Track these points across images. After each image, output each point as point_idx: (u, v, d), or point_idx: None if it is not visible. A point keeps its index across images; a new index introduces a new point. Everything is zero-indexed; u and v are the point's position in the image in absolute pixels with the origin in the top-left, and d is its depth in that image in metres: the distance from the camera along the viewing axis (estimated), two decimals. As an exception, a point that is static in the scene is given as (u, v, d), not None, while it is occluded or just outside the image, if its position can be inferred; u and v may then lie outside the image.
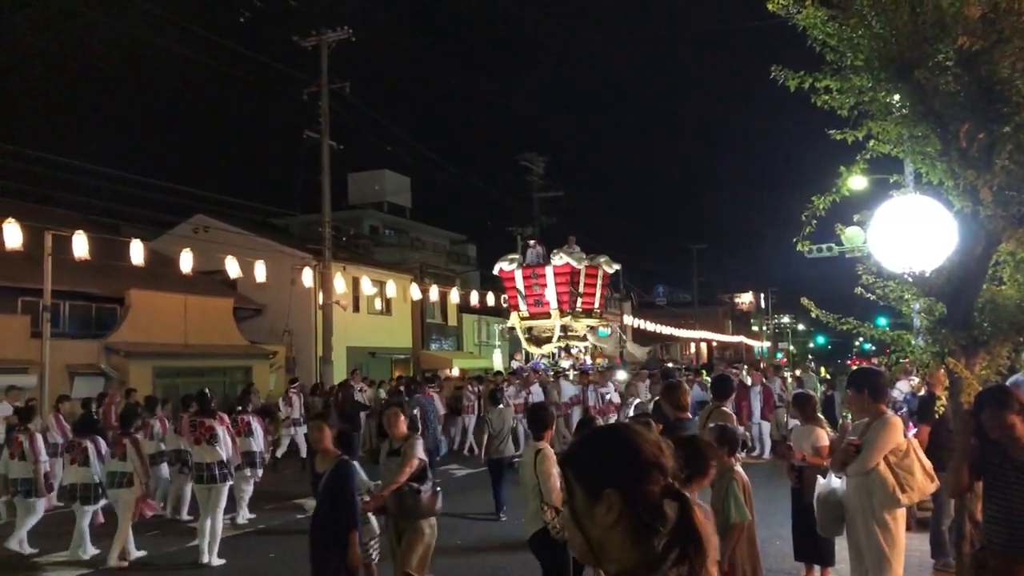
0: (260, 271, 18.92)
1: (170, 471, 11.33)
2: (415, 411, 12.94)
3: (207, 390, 10.46)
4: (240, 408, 11.30)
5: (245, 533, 10.35)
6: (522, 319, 22.03)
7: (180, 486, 11.19)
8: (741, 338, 69.49)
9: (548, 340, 21.64)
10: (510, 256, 22.59)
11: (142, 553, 8.91)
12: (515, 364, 21.98)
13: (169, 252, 20.38)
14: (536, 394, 17.63)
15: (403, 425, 6.43)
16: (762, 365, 30.11)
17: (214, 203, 23.32)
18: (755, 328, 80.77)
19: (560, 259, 21.26)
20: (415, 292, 24.64)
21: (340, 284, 22.33)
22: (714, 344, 62.48)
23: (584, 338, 22.03)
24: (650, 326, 42.86)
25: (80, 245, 14.91)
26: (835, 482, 5.40)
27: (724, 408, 7.05)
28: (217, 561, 8.52)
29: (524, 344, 22.14)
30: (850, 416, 12.40)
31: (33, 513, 9.43)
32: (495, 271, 22.67)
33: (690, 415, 6.68)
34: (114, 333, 19.56)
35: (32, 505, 9.41)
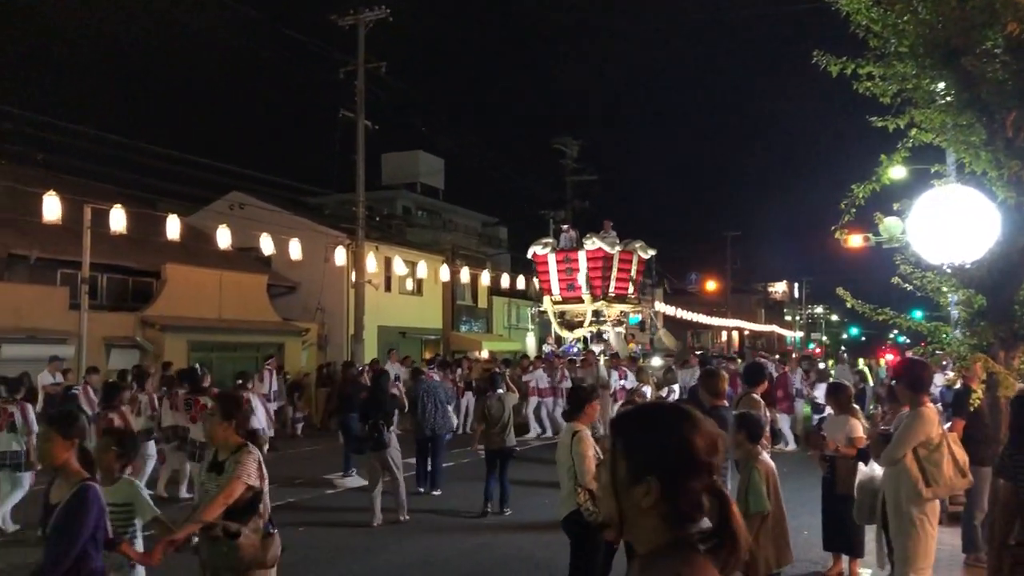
0: (294, 249, 19.08)
1: (167, 448, 11.08)
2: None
3: (198, 366, 10.12)
4: (240, 383, 11.03)
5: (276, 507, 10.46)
6: (554, 303, 21.94)
7: (181, 462, 10.95)
8: (774, 327, 68.90)
9: (580, 325, 21.55)
10: (544, 240, 22.48)
11: None
12: (547, 348, 21.92)
13: (205, 228, 20.58)
14: (564, 379, 17.78)
15: (229, 431, 4.47)
16: (793, 355, 29.90)
17: (250, 180, 23.54)
18: (788, 317, 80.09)
19: (593, 243, 21.10)
20: (446, 273, 24.69)
21: (372, 264, 22.45)
22: (746, 333, 62.01)
23: (618, 323, 21.91)
24: (682, 313, 42.61)
25: (118, 219, 15.11)
26: (878, 470, 5.34)
27: (753, 395, 7.00)
28: None
29: (556, 328, 22.09)
30: (879, 408, 12.28)
31: (20, 487, 9.14)
32: (529, 255, 22.60)
33: (726, 403, 6.62)
34: (150, 306, 19.82)
35: (19, 479, 9.11)
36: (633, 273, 22.20)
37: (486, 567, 7.54)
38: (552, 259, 21.71)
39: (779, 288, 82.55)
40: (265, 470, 4.44)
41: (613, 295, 21.55)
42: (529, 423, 18.11)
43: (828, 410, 14.68)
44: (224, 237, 17.16)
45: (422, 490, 11.07)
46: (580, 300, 21.36)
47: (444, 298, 31.20)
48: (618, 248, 21.34)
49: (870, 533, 6.77)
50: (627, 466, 1.63)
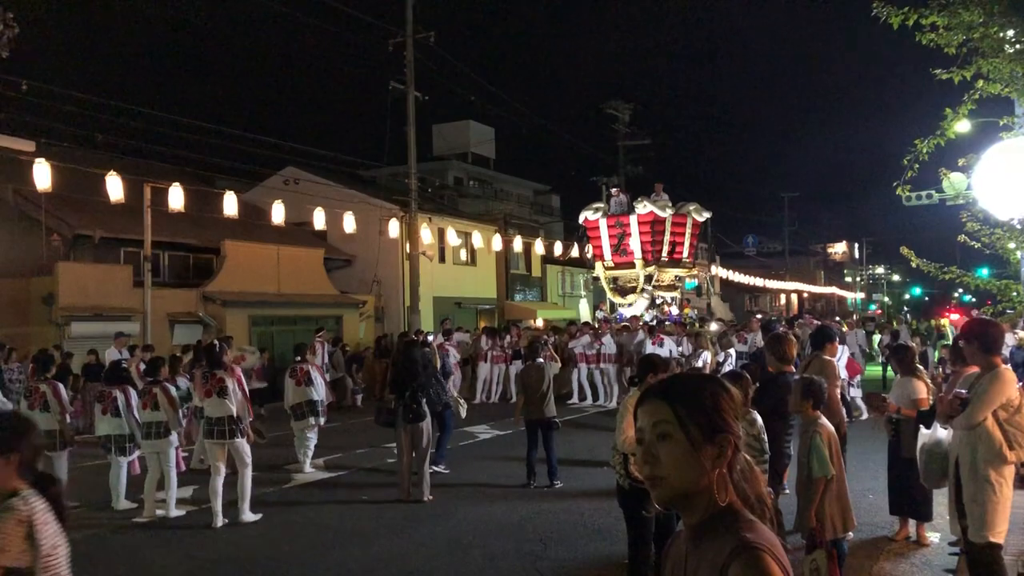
0: (349, 222, 19.27)
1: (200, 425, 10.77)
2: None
3: (216, 341, 10.04)
4: (299, 359, 11.06)
5: (337, 478, 10.65)
6: (607, 269, 21.81)
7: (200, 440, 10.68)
8: (834, 289, 67.74)
9: (633, 290, 21.38)
10: (595, 205, 22.30)
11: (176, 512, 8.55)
12: (600, 315, 21.77)
13: (261, 204, 20.87)
14: (608, 345, 17.48)
15: (6, 473, 2.77)
16: (854, 316, 29.32)
17: (303, 155, 23.80)
18: (848, 279, 78.58)
19: (644, 207, 20.83)
20: (499, 243, 24.71)
21: (426, 235, 22.55)
22: (805, 296, 61.04)
23: (672, 287, 21.63)
24: (739, 277, 42.07)
25: (177, 197, 15.40)
26: (941, 433, 5.22)
27: (824, 357, 6.82)
28: (250, 517, 8.22)
29: (609, 294, 21.93)
30: (941, 369, 11.96)
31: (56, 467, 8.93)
32: (580, 220, 22.41)
33: (794, 368, 6.48)
34: (211, 282, 20.22)
35: (51, 460, 8.91)
36: (687, 236, 21.83)
37: (545, 532, 7.57)
38: (603, 224, 21.51)
39: (839, 249, 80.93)
40: (49, 535, 2.74)
41: (666, 259, 21.26)
42: (573, 391, 17.86)
43: (843, 375, 14.25)
44: (279, 212, 17.42)
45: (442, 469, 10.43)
46: (632, 265, 21.16)
47: (498, 267, 31.26)
48: (670, 211, 21.00)
49: (937, 496, 6.64)
50: (697, 427, 1.62)
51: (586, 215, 22.00)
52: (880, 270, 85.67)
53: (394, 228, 21.39)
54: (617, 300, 21.64)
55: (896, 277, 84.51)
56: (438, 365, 10.44)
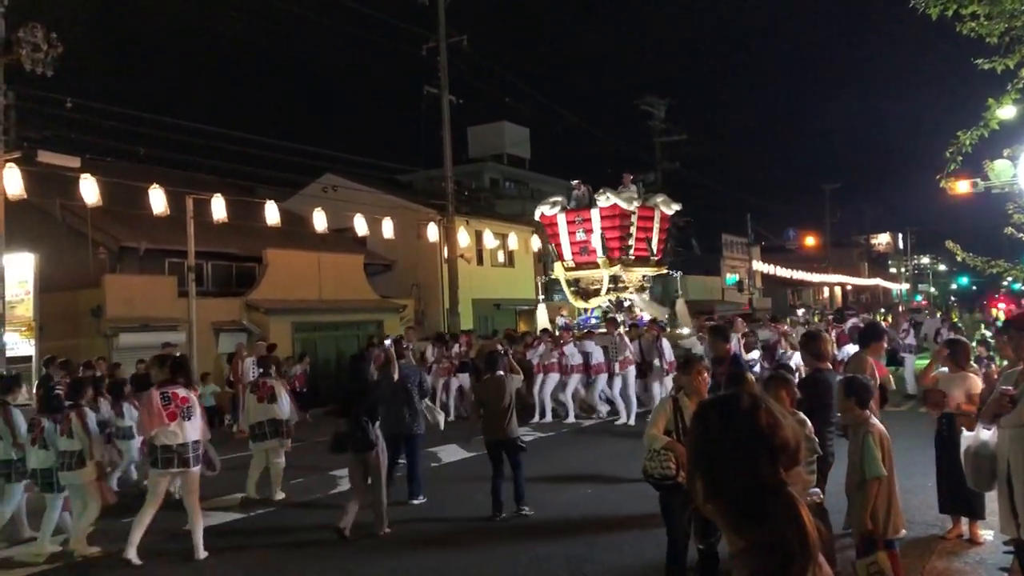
0: (387, 227, 19.42)
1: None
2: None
3: (179, 353, 9.03)
4: (262, 371, 10.29)
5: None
6: (567, 270, 19.68)
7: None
8: (878, 281, 66.72)
9: (596, 293, 19.24)
10: (552, 199, 20.06)
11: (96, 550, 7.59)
12: (561, 320, 19.35)
13: (301, 212, 21.12)
14: (570, 355, 15.52)
15: None
16: (900, 308, 28.85)
17: (341, 162, 24.07)
18: (893, 270, 77.39)
19: (607, 200, 18.56)
20: (536, 243, 24.68)
21: (464, 238, 22.62)
22: (849, 288, 60.21)
23: (641, 288, 19.52)
24: (780, 270, 41.58)
25: (219, 208, 15.63)
26: (984, 434, 5.10)
27: (862, 354, 6.74)
28: (203, 554, 7.30)
29: (569, 298, 19.89)
30: (994, 364, 11.72)
31: (11, 498, 8.08)
32: (536, 216, 20.27)
33: (830, 366, 6.40)
34: (254, 291, 20.49)
35: (9, 490, 8.08)
36: (656, 232, 19.64)
37: (591, 534, 7.55)
38: (562, 220, 19.29)
39: (882, 240, 79.75)
40: None
41: (632, 258, 19.14)
42: (544, 406, 15.65)
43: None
44: (320, 220, 17.63)
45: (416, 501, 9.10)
46: (595, 265, 18.97)
47: (536, 268, 31.26)
48: (636, 204, 18.84)
49: (988, 493, 6.50)
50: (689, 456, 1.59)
51: (542, 210, 19.71)
52: (925, 260, 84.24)
53: (432, 232, 21.51)
54: (579, 304, 19.63)
55: (942, 267, 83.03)
56: (395, 377, 9.19)
